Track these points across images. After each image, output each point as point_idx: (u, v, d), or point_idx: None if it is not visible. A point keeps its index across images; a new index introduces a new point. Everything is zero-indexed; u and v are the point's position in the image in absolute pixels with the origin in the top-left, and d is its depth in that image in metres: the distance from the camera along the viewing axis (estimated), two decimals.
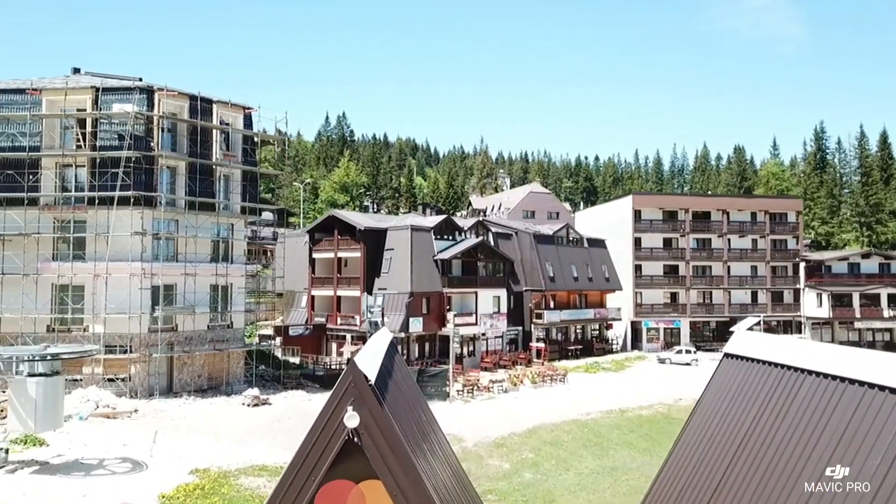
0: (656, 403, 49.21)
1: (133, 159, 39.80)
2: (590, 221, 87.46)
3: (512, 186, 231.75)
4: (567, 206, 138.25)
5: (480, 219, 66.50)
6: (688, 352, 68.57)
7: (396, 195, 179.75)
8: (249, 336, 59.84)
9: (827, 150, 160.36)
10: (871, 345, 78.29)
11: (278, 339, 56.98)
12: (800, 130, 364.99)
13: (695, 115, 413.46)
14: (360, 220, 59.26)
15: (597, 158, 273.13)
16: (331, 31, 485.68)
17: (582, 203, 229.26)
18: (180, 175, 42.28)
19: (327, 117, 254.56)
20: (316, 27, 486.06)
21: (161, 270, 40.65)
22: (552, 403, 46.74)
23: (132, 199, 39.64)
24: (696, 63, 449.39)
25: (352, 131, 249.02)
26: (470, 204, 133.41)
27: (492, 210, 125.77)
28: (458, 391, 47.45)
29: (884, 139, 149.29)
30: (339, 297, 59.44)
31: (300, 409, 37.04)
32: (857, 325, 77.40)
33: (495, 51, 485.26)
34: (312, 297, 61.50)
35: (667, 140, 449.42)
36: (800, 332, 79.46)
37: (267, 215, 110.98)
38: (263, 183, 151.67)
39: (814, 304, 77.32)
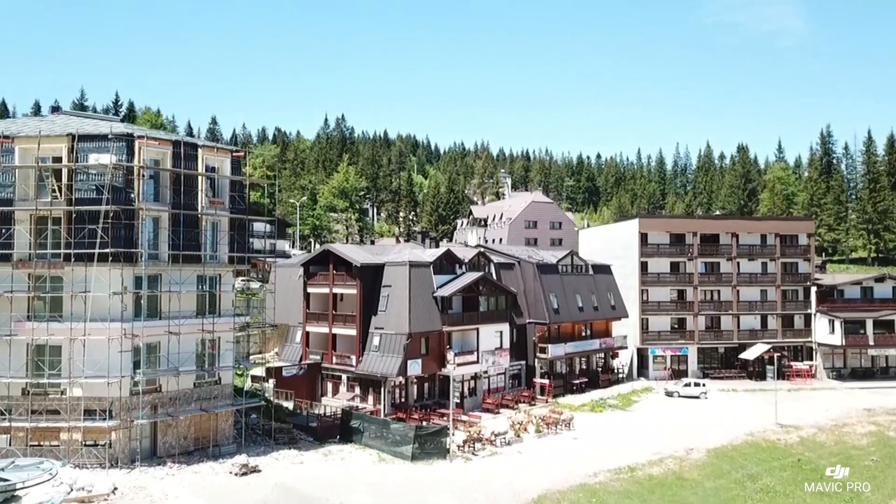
0: (667, 456, 46.90)
1: (112, 213, 37.31)
2: (594, 240, 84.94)
3: (513, 186, 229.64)
4: (570, 215, 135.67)
5: (481, 248, 63.85)
6: (696, 384, 66.27)
7: (396, 198, 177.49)
8: (241, 374, 57.50)
9: (833, 154, 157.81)
10: (885, 370, 76.13)
11: (271, 382, 54.54)
12: (805, 130, 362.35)
13: (698, 112, 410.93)
14: (356, 255, 56.70)
15: (598, 156, 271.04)
16: (331, 28, 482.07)
17: (583, 203, 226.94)
18: (163, 226, 39.74)
19: (326, 119, 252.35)
20: (316, 24, 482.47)
21: (143, 331, 38.17)
22: (558, 460, 44.45)
23: (111, 256, 37.17)
24: (699, 59, 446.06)
25: (352, 131, 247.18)
26: (471, 213, 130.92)
27: (493, 220, 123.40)
28: (458, 446, 45.11)
29: (891, 143, 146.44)
30: (334, 335, 57.00)
31: (288, 486, 34.72)
32: (871, 351, 74.99)
33: (496, 47, 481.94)
34: (307, 333, 59.05)
35: (669, 139, 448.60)
36: (811, 358, 77.10)
37: (263, 226, 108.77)
38: (260, 186, 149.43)
39: (826, 331, 74.86)
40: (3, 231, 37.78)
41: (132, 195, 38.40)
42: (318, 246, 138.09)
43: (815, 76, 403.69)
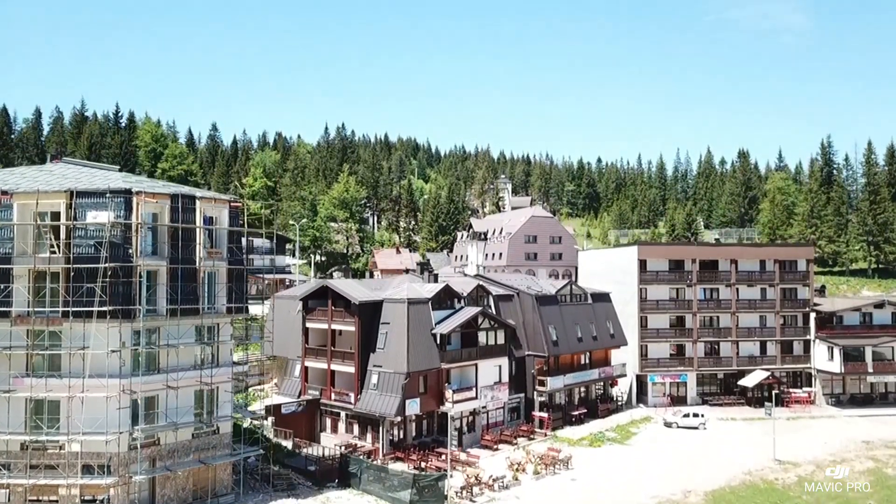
0: (665, 500, 47.20)
1: (110, 270, 37.37)
2: (593, 263, 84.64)
3: (514, 191, 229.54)
4: (570, 229, 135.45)
5: (479, 281, 63.83)
6: (695, 415, 66.34)
7: (397, 207, 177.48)
8: (237, 418, 57.54)
9: (834, 165, 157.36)
10: (884, 396, 76.17)
11: (270, 420, 54.57)
12: (806, 135, 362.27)
13: (699, 117, 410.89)
14: (354, 291, 56.68)
15: (599, 161, 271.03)
16: (332, 31, 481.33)
17: (584, 209, 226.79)
18: (161, 281, 39.76)
19: (326, 128, 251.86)
20: (317, 26, 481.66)
21: (141, 386, 38.31)
22: None
23: (110, 313, 37.25)
24: (699, 60, 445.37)
25: (352, 135, 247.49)
26: (471, 226, 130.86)
27: (493, 234, 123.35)
28: (456, 492, 45.19)
29: (891, 153, 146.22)
30: (332, 372, 57.09)
31: None
32: (870, 378, 75.02)
33: (497, 50, 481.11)
34: (306, 367, 59.12)
35: (670, 144, 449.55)
36: (810, 384, 77.18)
37: (262, 242, 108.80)
38: (261, 197, 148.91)
39: (825, 358, 74.89)
40: (2, 287, 37.81)
41: (130, 251, 38.43)
42: (318, 257, 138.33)
43: (815, 78, 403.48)
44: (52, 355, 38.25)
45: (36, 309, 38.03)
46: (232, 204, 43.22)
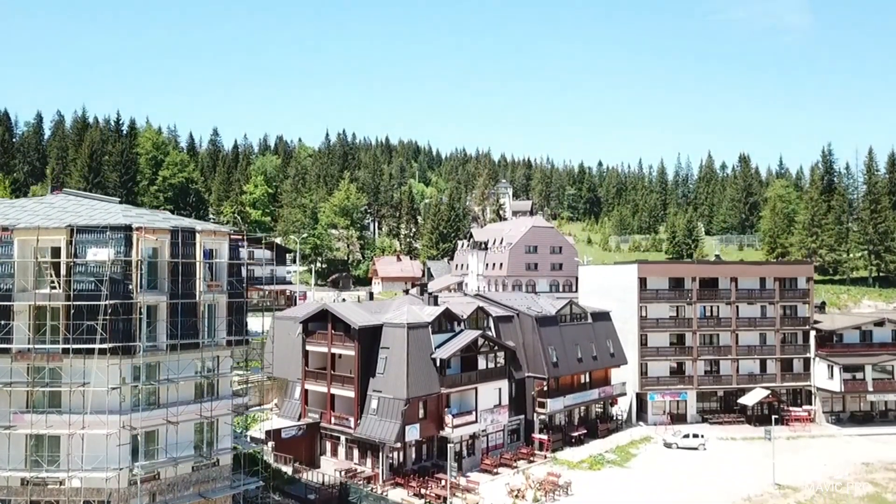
0: None
1: (111, 307, 37.43)
2: (594, 279, 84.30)
3: (515, 194, 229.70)
4: (570, 238, 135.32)
5: (479, 303, 63.75)
6: (695, 436, 66.33)
7: (397, 213, 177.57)
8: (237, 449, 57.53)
9: (834, 173, 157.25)
10: (884, 414, 76.23)
11: (270, 444, 54.63)
12: (807, 138, 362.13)
13: (700, 122, 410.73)
14: (354, 316, 56.65)
15: (600, 164, 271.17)
16: (333, 33, 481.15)
17: (584, 213, 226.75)
18: (161, 317, 39.79)
19: (327, 134, 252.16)
20: (318, 28, 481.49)
21: (141, 422, 38.39)
22: None
23: (110, 350, 37.33)
24: (700, 61, 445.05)
25: (353, 138, 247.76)
26: (471, 235, 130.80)
27: (493, 243, 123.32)
28: None
29: (892, 161, 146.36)
30: (332, 395, 57.16)
31: None
32: (870, 397, 75.07)
33: (499, 52, 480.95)
34: (306, 390, 59.20)
35: (671, 148, 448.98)
36: (810, 402, 77.20)
37: (263, 252, 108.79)
38: (261, 204, 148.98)
39: (825, 375, 74.92)
40: (3, 323, 37.86)
41: (130, 287, 38.44)
42: (319, 264, 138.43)
43: (816, 81, 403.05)
44: (53, 391, 38.32)
45: (36, 346, 38.07)
46: (231, 237, 43.24)
